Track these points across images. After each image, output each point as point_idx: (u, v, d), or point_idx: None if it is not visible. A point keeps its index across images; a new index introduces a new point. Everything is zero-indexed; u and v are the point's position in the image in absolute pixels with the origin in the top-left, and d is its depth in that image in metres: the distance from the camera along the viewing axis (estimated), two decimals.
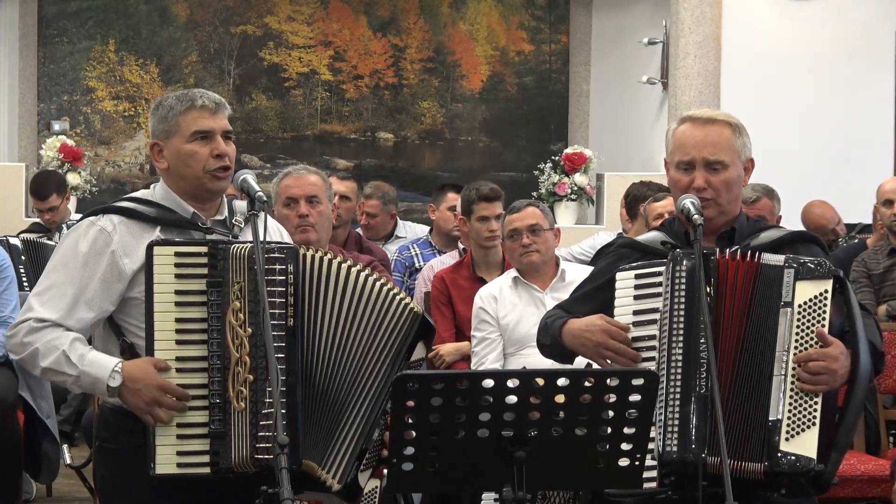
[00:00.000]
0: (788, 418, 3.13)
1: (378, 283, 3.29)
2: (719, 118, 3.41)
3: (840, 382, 3.19)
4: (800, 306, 3.18)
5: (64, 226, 7.50)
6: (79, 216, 3.85)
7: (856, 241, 7.34)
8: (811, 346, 3.16)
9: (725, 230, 3.41)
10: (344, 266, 3.26)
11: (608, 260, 3.52)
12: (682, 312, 3.19)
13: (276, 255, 3.14)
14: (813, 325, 3.17)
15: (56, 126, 9.81)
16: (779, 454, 3.11)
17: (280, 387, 3.01)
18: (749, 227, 3.44)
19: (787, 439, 3.12)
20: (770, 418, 3.13)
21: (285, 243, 3.25)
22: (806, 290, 3.18)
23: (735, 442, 3.13)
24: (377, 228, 6.92)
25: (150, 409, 3.10)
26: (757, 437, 3.13)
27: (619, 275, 3.33)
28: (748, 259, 3.24)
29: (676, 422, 3.13)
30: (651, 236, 3.51)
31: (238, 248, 3.14)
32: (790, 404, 3.13)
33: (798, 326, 3.17)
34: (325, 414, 3.21)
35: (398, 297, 3.31)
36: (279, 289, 3.12)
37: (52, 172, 8.13)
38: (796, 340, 3.17)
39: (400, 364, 3.29)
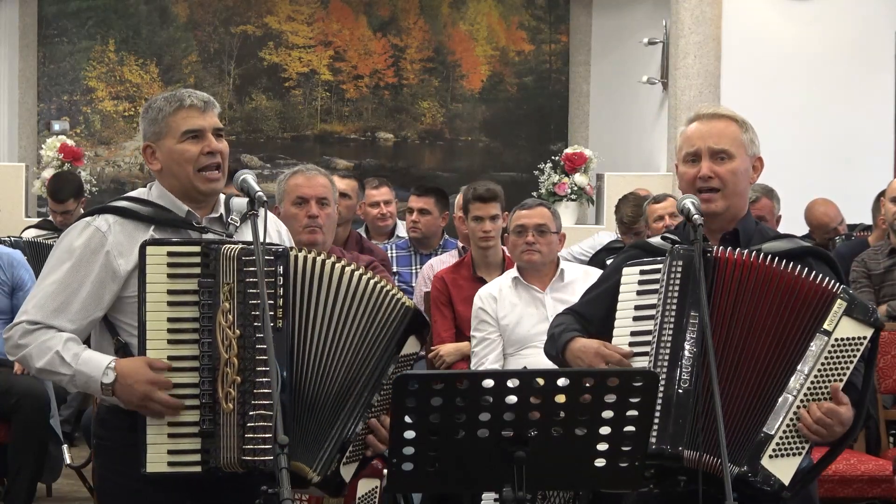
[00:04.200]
0: (780, 438, 3.11)
1: (370, 281, 3.26)
2: (724, 113, 3.42)
3: (827, 441, 3.18)
4: (837, 340, 3.13)
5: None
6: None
7: (854, 238, 7.32)
8: (829, 383, 3.12)
9: (728, 231, 3.38)
10: (338, 266, 3.24)
11: (618, 261, 3.50)
12: (673, 308, 3.19)
13: (267, 256, 3.12)
14: (842, 363, 3.13)
15: (56, 126, 9.82)
16: (759, 466, 3.10)
17: (266, 388, 3.01)
18: (757, 233, 3.40)
19: (770, 456, 3.11)
20: (763, 429, 3.12)
21: (276, 245, 3.24)
22: (848, 328, 3.14)
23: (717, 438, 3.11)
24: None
25: (143, 404, 3.11)
26: (744, 442, 3.11)
27: (625, 270, 3.34)
28: (795, 270, 3.18)
29: (657, 415, 3.10)
30: (660, 240, 3.50)
31: (228, 248, 3.13)
32: (787, 426, 3.12)
33: (827, 359, 3.13)
34: (312, 413, 3.20)
35: (390, 293, 3.28)
36: (268, 290, 3.10)
37: (71, 176, 8.07)
38: (818, 370, 3.13)
39: (389, 359, 3.27)
